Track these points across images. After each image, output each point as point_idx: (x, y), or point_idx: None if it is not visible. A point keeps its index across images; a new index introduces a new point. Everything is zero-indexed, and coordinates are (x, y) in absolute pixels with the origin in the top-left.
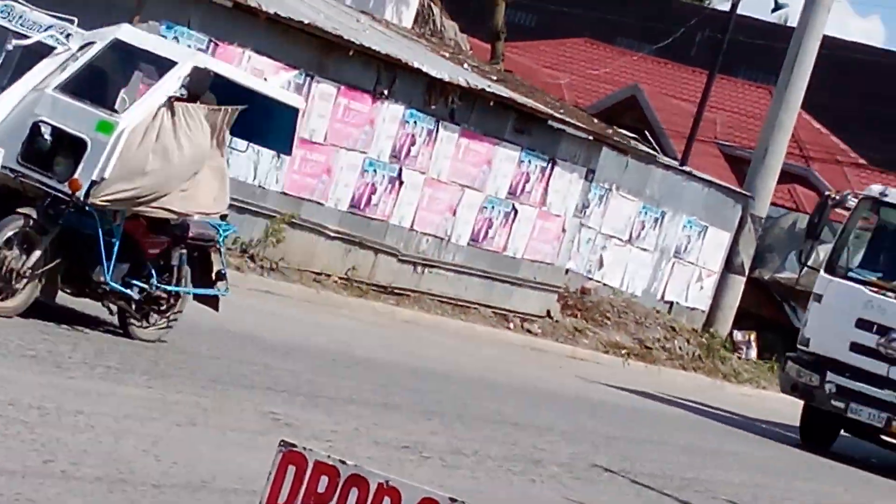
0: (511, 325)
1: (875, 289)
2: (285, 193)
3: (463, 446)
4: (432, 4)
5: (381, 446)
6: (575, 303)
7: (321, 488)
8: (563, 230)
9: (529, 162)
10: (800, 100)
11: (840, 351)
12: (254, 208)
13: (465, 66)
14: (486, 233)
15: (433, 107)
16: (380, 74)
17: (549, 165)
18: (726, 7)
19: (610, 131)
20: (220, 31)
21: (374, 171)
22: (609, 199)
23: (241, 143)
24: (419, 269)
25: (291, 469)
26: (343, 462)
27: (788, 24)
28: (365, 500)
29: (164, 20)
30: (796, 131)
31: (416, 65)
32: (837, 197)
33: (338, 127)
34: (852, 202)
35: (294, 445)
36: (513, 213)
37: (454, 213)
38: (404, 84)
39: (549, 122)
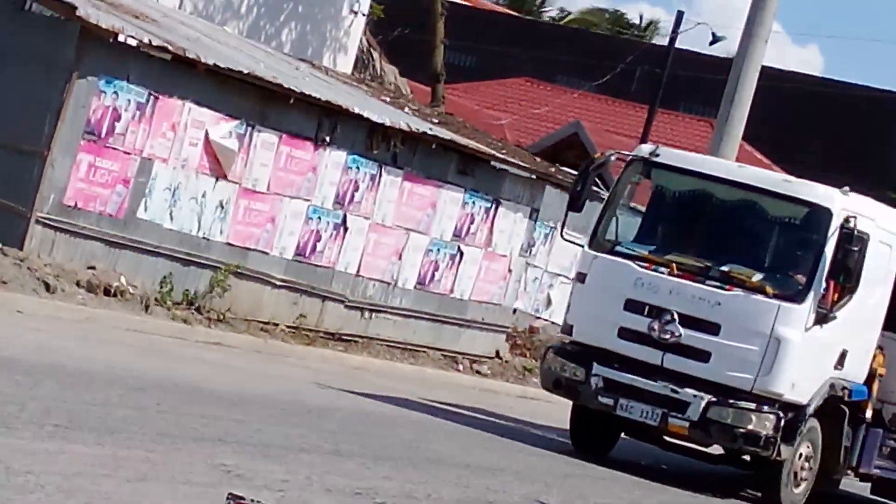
0: (461, 367)
1: (646, 264)
2: (230, 244)
3: (415, 490)
4: (371, 49)
5: (334, 494)
6: (524, 342)
7: None
8: (510, 270)
9: (474, 203)
10: (741, 131)
11: (607, 338)
12: (199, 260)
13: (406, 109)
14: (433, 275)
15: (375, 152)
16: (321, 121)
17: (494, 206)
18: (665, 42)
19: (553, 169)
20: (160, 83)
21: (319, 218)
22: (554, 237)
23: (184, 195)
24: (367, 314)
25: None
26: None
27: (727, 57)
28: None
29: (103, 74)
30: (738, 162)
31: (356, 110)
32: (601, 159)
33: (280, 175)
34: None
35: (242, 498)
36: (459, 255)
37: (400, 257)
38: (346, 130)
39: (492, 162)
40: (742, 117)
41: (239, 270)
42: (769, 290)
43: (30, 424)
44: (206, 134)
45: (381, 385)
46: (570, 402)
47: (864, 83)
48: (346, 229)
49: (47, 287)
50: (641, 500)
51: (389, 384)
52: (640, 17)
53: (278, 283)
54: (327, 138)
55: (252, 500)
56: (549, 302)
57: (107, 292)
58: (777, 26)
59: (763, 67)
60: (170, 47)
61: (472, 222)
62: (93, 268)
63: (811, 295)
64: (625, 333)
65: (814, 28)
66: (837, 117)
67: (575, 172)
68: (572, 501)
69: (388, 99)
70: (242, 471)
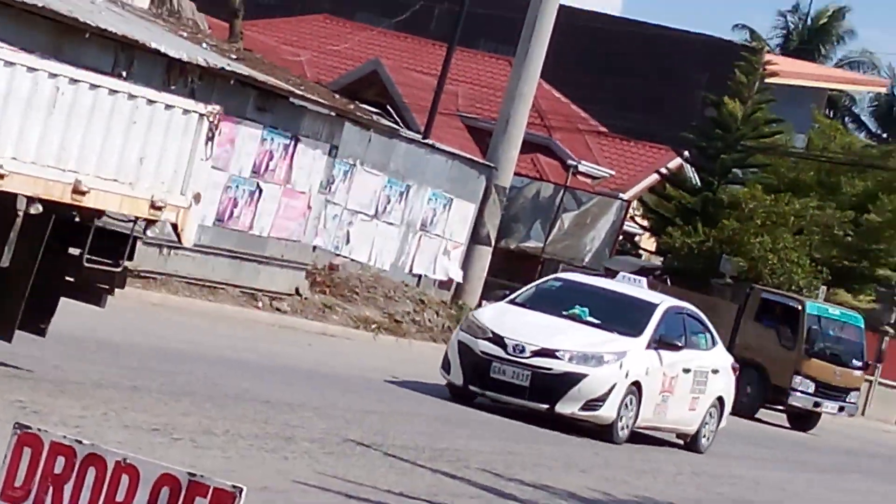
0: (260, 304)
1: None
2: None
3: (214, 426)
4: None
5: (131, 430)
6: (323, 279)
7: (58, 469)
8: (309, 207)
9: (272, 140)
10: (539, 70)
11: None
12: None
13: (204, 45)
14: (232, 212)
15: (173, 87)
16: (117, 56)
17: (293, 143)
18: None
19: (352, 107)
20: None
21: None
22: (354, 174)
23: None
24: (165, 251)
25: (27, 451)
26: (79, 442)
27: None
28: (103, 480)
29: None
30: (537, 101)
31: (153, 45)
32: None
33: None
34: None
35: (29, 427)
36: (258, 192)
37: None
38: (143, 65)
39: (291, 99)
40: (540, 56)
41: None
42: None
43: None
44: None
45: (179, 322)
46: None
47: (662, 23)
48: None
49: None
50: (442, 434)
51: (188, 321)
52: None
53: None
54: (124, 74)
55: (39, 429)
56: (348, 239)
57: None
58: None
59: (561, 6)
60: None
61: (270, 159)
62: None
63: None
64: None
65: None
66: (635, 57)
67: (374, 110)
68: (371, 437)
69: (185, 34)
70: (39, 406)
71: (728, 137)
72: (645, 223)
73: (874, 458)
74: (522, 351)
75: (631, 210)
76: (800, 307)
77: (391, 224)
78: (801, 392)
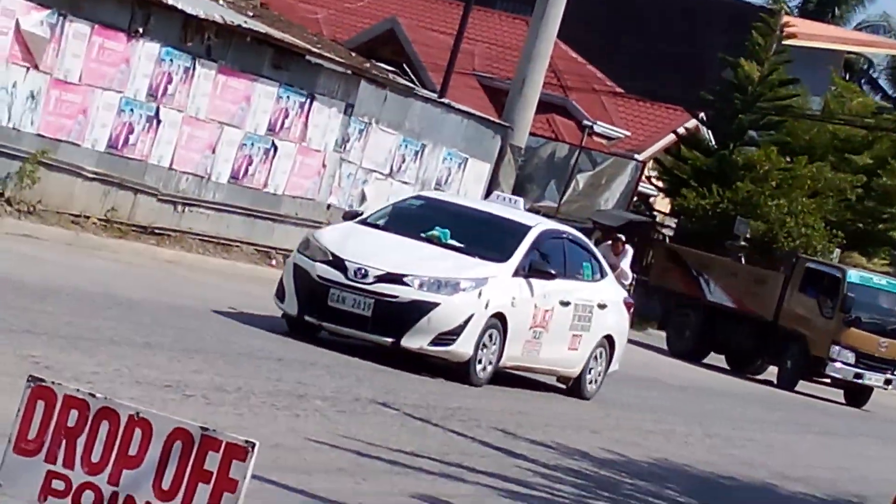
0: (274, 262)
1: None
2: (41, 135)
3: (226, 383)
4: None
5: (144, 386)
6: None
7: (71, 422)
8: (324, 165)
9: (288, 98)
10: (555, 30)
11: None
12: (8, 151)
13: (221, 2)
14: (247, 170)
15: (189, 44)
16: (134, 12)
17: (308, 101)
18: None
19: (368, 65)
20: None
21: (132, 110)
22: (369, 132)
23: None
24: (179, 208)
25: (41, 404)
26: (93, 395)
27: None
28: (116, 433)
29: None
30: (553, 62)
31: (170, 2)
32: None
33: (93, 67)
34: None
35: (42, 380)
36: (273, 150)
37: (214, 151)
38: (160, 22)
39: (307, 57)
40: (557, 16)
41: (49, 162)
42: None
43: None
44: (17, 23)
45: (193, 279)
46: None
47: None
48: (159, 122)
49: None
50: (453, 393)
51: (202, 278)
52: None
53: (90, 175)
54: (140, 30)
55: (53, 382)
56: (363, 197)
57: None
58: None
59: None
60: None
61: (286, 117)
62: None
63: None
64: None
65: None
66: (652, 18)
67: (390, 68)
68: (382, 396)
69: None
70: (51, 362)
71: (745, 99)
72: (660, 184)
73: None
74: (365, 276)
75: (646, 171)
76: (840, 275)
77: (406, 183)
78: (841, 363)
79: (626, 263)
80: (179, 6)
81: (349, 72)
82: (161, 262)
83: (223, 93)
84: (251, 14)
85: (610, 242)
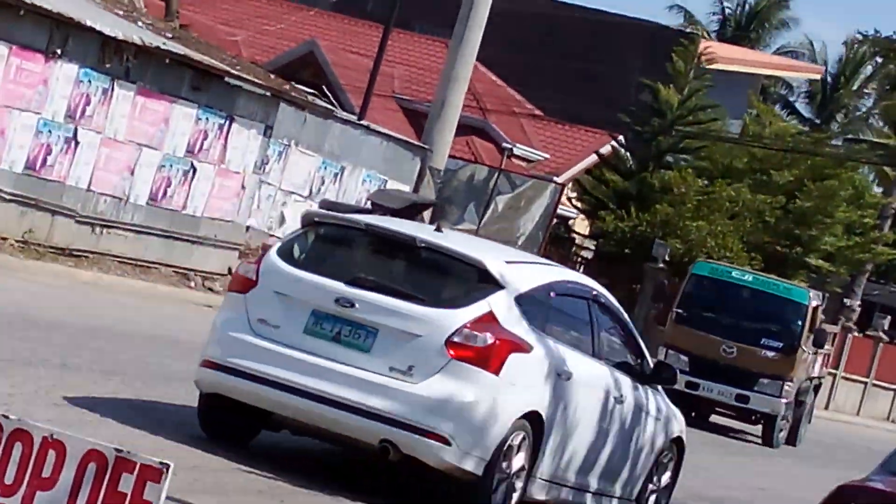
0: (193, 284)
1: None
2: None
3: (143, 405)
4: None
5: (61, 408)
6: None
7: None
8: (243, 187)
9: (207, 119)
10: (475, 52)
11: None
12: None
13: (140, 23)
14: (166, 192)
15: (108, 65)
16: (52, 33)
17: (227, 122)
18: None
19: (287, 87)
20: None
21: (50, 131)
22: (288, 154)
23: None
24: (98, 229)
25: None
26: (6, 416)
27: None
28: (30, 455)
29: None
30: (473, 84)
31: (88, 23)
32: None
33: (10, 88)
34: None
35: None
36: (192, 172)
37: (132, 173)
38: (78, 43)
39: (226, 78)
40: (476, 39)
41: None
42: None
43: None
44: None
45: (111, 301)
46: None
47: (599, 7)
48: (77, 143)
49: None
50: None
51: (120, 300)
52: None
53: (7, 196)
54: (59, 51)
55: None
56: (282, 220)
57: None
58: None
59: None
60: None
61: (205, 138)
62: None
63: None
64: None
65: None
66: (571, 40)
67: (310, 91)
68: None
69: (121, 12)
70: None
71: (663, 123)
72: (580, 206)
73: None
74: None
75: (566, 193)
76: (693, 272)
77: None
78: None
79: None
80: (98, 27)
81: (268, 94)
82: (79, 283)
83: (142, 114)
84: (170, 36)
85: None
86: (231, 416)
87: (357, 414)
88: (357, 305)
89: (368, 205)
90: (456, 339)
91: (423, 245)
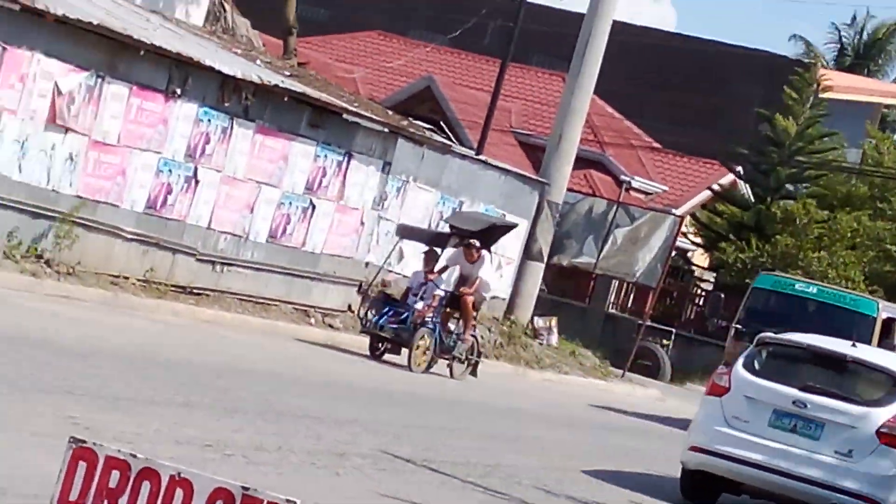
0: (312, 321)
1: None
2: (80, 196)
3: (266, 442)
4: (223, 2)
5: (184, 446)
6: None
7: (113, 483)
8: (362, 223)
9: (325, 156)
10: (592, 85)
11: None
12: (48, 213)
13: (258, 62)
14: (285, 229)
15: (227, 104)
16: (172, 73)
17: (346, 159)
18: None
19: (405, 123)
20: (8, 34)
21: (170, 170)
22: (407, 190)
23: (32, 147)
24: (218, 267)
25: (82, 465)
26: (134, 456)
27: (579, 11)
28: (157, 494)
29: None
30: (590, 117)
31: (208, 63)
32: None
33: (131, 128)
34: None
35: (83, 441)
36: (311, 208)
37: (252, 210)
38: (197, 82)
39: (344, 115)
40: (593, 72)
41: (86, 222)
42: None
43: None
44: (56, 85)
45: (232, 338)
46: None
47: (717, 38)
48: (197, 182)
49: None
50: (491, 450)
51: (241, 338)
52: None
53: (129, 236)
54: (178, 90)
55: (95, 444)
56: (401, 255)
57: None
58: None
59: (615, 22)
60: None
61: (324, 175)
62: None
63: None
64: None
65: None
66: (688, 72)
67: (427, 126)
68: (422, 453)
69: (239, 51)
70: (92, 423)
71: (781, 153)
72: (698, 239)
73: None
74: None
75: (684, 226)
76: None
77: None
78: None
79: (484, 272)
80: (217, 67)
81: (386, 130)
82: (200, 321)
83: (261, 152)
84: (288, 74)
85: (462, 249)
86: (708, 484)
87: (812, 485)
88: (808, 406)
89: (446, 228)
90: (883, 430)
91: (850, 360)
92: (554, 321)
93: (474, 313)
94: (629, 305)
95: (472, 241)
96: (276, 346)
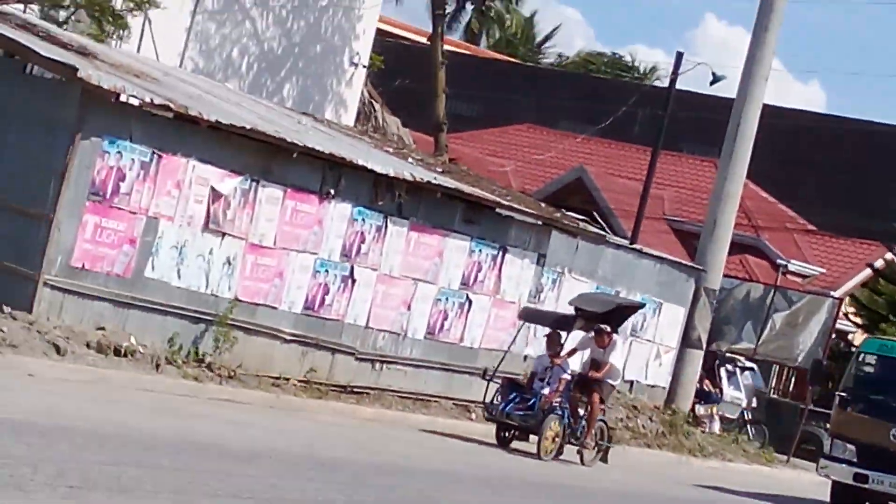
0: (473, 416)
1: None
2: (238, 300)
3: None
4: (373, 101)
5: None
6: None
7: None
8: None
9: (480, 251)
10: (744, 170)
11: None
12: (208, 317)
13: (410, 159)
14: (442, 325)
15: (380, 203)
16: (325, 174)
17: (500, 253)
18: (665, 84)
19: (558, 214)
20: (163, 142)
21: (326, 271)
22: (562, 282)
23: (190, 252)
24: (377, 366)
25: None
26: None
27: (728, 96)
28: None
29: (106, 135)
30: (743, 201)
31: (360, 162)
32: None
33: (287, 230)
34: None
35: None
36: (467, 304)
37: (409, 308)
38: (350, 182)
39: (497, 209)
40: (745, 156)
41: (245, 325)
42: None
43: (44, 486)
44: (212, 190)
45: (394, 436)
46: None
47: (866, 118)
48: (353, 281)
49: (57, 350)
50: None
51: (403, 435)
52: (632, 58)
53: (288, 337)
54: (332, 191)
55: None
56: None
57: (117, 353)
58: (778, 64)
59: (765, 105)
60: (172, 105)
61: (479, 270)
62: (102, 328)
63: None
64: None
65: (816, 64)
66: (838, 153)
67: (580, 217)
68: None
69: (391, 150)
70: None
71: None
72: (858, 320)
73: None
74: None
75: (843, 307)
76: None
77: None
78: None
79: (615, 358)
80: (369, 166)
81: (540, 222)
82: (361, 420)
83: (416, 249)
84: (440, 170)
85: (593, 334)
86: None
87: None
88: None
89: (572, 310)
90: None
91: None
92: (715, 408)
93: (601, 406)
94: (790, 390)
95: (602, 326)
96: (438, 443)
